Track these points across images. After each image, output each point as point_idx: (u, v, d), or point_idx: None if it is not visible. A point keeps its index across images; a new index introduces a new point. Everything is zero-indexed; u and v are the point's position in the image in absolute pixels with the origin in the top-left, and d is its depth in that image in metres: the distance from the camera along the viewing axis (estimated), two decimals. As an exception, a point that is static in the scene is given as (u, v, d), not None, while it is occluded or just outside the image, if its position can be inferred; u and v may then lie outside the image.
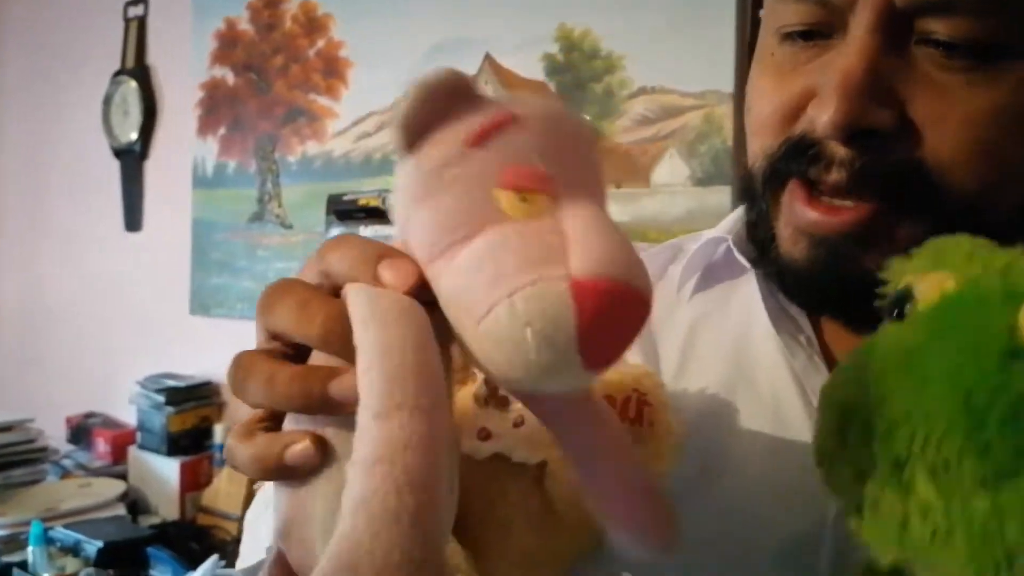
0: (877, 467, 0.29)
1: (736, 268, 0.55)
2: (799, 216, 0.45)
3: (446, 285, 0.28)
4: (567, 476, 0.39)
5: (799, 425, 0.49)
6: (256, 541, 0.49)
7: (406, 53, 1.83)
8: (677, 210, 1.50)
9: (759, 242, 0.50)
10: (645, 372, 0.44)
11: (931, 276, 0.31)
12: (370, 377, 0.26)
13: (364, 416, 0.26)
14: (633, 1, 1.54)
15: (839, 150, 0.43)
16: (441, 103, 0.29)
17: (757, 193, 0.49)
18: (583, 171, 0.30)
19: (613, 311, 0.26)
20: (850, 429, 0.31)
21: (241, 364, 0.31)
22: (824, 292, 0.47)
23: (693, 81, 1.48)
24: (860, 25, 0.42)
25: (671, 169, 1.51)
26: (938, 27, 0.41)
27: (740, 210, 0.56)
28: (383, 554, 0.24)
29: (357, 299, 0.28)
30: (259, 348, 0.32)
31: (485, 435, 0.39)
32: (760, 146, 0.48)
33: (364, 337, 0.27)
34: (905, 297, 0.32)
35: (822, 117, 0.42)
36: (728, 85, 1.45)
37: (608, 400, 0.42)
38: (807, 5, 0.44)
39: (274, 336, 0.31)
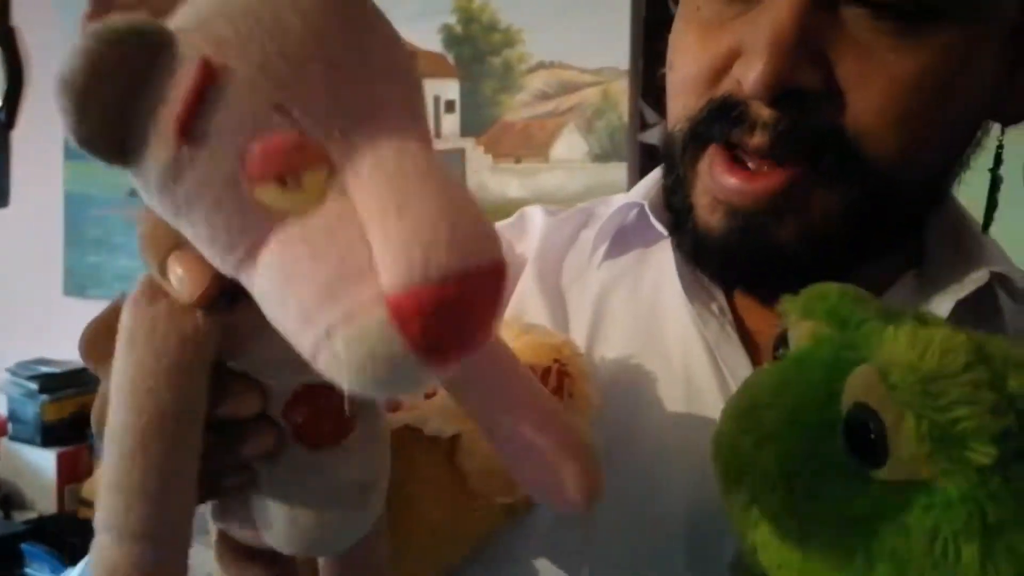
0: (738, 506, 0.33)
1: (650, 234, 0.54)
2: (718, 183, 0.44)
3: (258, 301, 0.23)
4: (481, 449, 0.38)
5: (710, 393, 0.49)
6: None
7: (297, 20, 1.76)
8: (576, 185, 1.50)
9: (676, 211, 0.49)
10: (564, 341, 0.44)
11: (802, 324, 0.34)
12: (104, 467, 0.24)
13: (96, 521, 0.24)
14: (531, -26, 1.52)
15: (763, 111, 0.42)
16: (114, 86, 0.21)
17: (676, 157, 0.47)
18: (350, 76, 0.21)
19: (452, 318, 0.20)
20: (730, 469, 0.35)
21: (97, 339, 0.28)
22: (738, 265, 0.46)
23: (590, 57, 1.48)
24: None
25: (569, 145, 1.51)
26: None
27: (655, 174, 0.55)
28: None
29: (122, 323, 0.24)
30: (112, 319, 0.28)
31: (395, 406, 0.37)
32: (682, 107, 0.46)
33: (112, 402, 0.23)
34: (784, 340, 0.36)
35: (749, 75, 0.41)
36: (624, 62, 1.45)
37: (529, 369, 0.41)
38: None
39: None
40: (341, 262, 0.20)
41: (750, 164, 0.43)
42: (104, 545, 0.23)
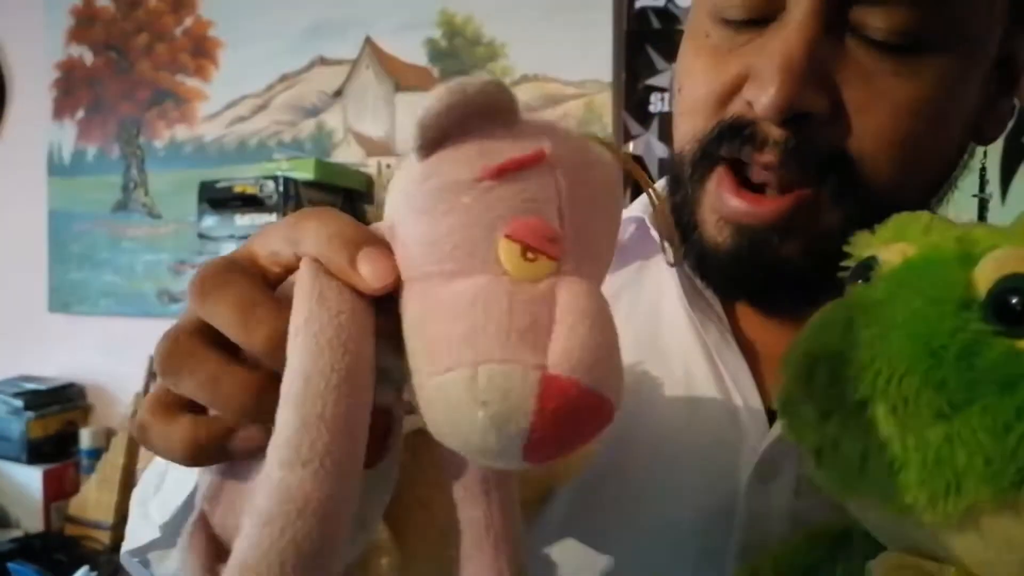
0: (841, 408, 0.31)
1: (650, 246, 0.56)
2: (725, 204, 0.46)
3: (415, 312, 0.26)
4: None
5: (711, 400, 0.50)
6: (146, 521, 0.47)
7: (281, 33, 1.77)
8: (561, 197, 1.51)
9: (682, 226, 0.50)
10: None
11: (894, 246, 0.34)
12: (285, 414, 0.24)
13: (270, 456, 0.24)
14: (514, -12, 1.54)
15: (774, 131, 0.43)
16: (472, 117, 0.26)
17: (684, 177, 0.49)
18: (597, 236, 0.27)
19: (573, 415, 0.24)
20: (816, 374, 0.32)
21: (177, 350, 0.27)
22: (742, 279, 0.48)
23: (574, 70, 1.50)
24: (800, 8, 0.43)
25: (554, 156, 1.52)
26: (871, 18, 0.42)
27: (656, 188, 0.57)
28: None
29: (302, 294, 0.26)
30: (194, 328, 0.28)
31: (409, 408, 0.38)
32: (691, 128, 0.48)
33: (292, 350, 0.25)
34: (870, 265, 0.35)
35: (761, 97, 0.42)
36: (607, 75, 1.47)
37: None
38: None
39: (207, 328, 0.28)
40: (528, 323, 0.24)
41: (758, 179, 0.45)
42: (279, 477, 0.24)
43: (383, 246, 0.27)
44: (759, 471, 0.47)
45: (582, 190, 0.26)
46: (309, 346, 0.25)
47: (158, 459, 0.49)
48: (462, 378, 0.24)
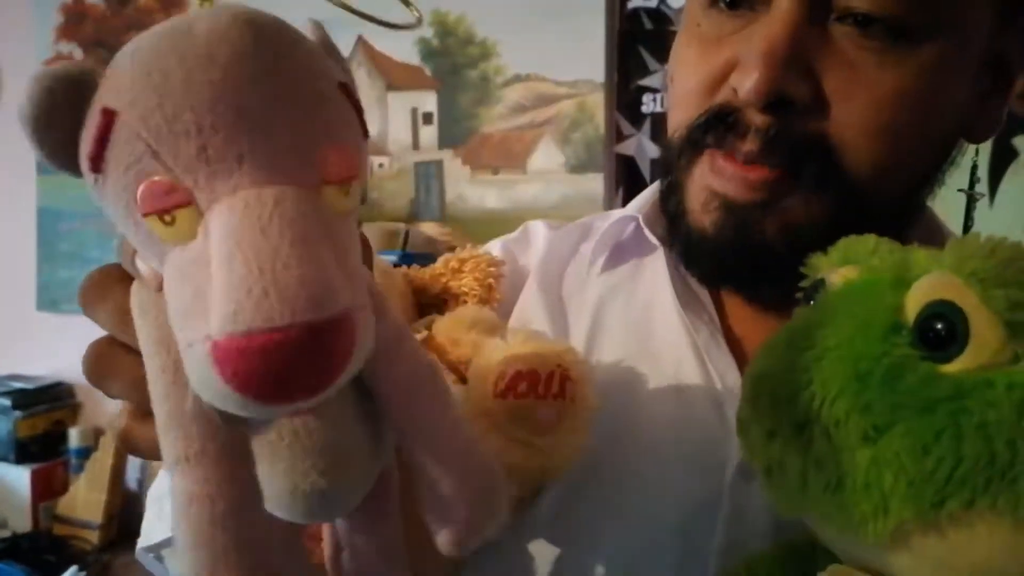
0: (783, 429, 0.32)
1: (645, 246, 0.56)
2: (716, 169, 0.46)
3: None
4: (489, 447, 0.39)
5: (700, 397, 0.50)
6: (161, 519, 0.48)
7: (273, 33, 1.76)
8: (553, 196, 1.52)
9: (670, 213, 0.51)
10: (567, 348, 0.45)
11: (840, 269, 0.35)
12: (157, 428, 0.26)
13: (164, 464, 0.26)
14: (506, -12, 1.54)
15: (756, 118, 0.44)
16: (58, 122, 0.24)
17: (672, 163, 0.50)
18: (223, 129, 0.23)
19: (259, 366, 0.22)
20: (760, 395, 0.33)
21: (98, 355, 0.29)
22: (728, 263, 0.48)
23: (566, 70, 1.50)
24: None
25: (546, 156, 1.53)
26: (857, 3, 0.42)
27: (650, 191, 0.58)
28: None
29: (132, 300, 0.27)
30: (111, 337, 0.29)
31: None
32: (682, 116, 0.49)
33: (142, 346, 0.26)
34: (817, 287, 0.36)
35: (745, 83, 0.43)
36: (599, 75, 1.48)
37: (531, 375, 0.42)
38: None
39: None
40: (193, 297, 0.23)
41: (739, 165, 0.46)
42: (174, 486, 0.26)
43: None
44: (742, 469, 0.47)
45: (171, 103, 0.23)
46: (145, 355, 0.26)
47: None
48: (177, 375, 0.24)
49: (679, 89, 0.49)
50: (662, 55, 1.39)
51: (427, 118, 1.63)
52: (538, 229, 0.62)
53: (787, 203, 0.45)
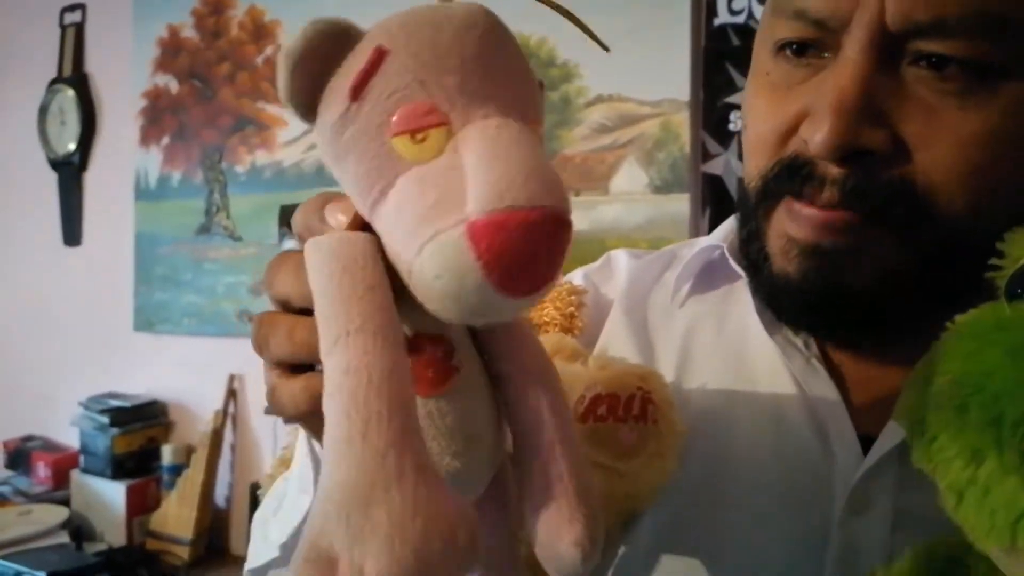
0: (998, 450, 0.28)
1: (731, 275, 0.55)
2: (791, 225, 0.45)
3: (381, 232, 0.29)
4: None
5: (800, 427, 0.48)
6: (266, 542, 0.49)
7: (358, 61, 1.80)
8: (636, 218, 1.49)
9: (752, 260, 0.50)
10: (649, 371, 0.44)
11: None
12: (318, 320, 0.28)
13: (321, 356, 0.28)
14: (589, 9, 1.53)
15: (831, 170, 0.43)
16: (316, 63, 0.28)
17: (750, 211, 0.49)
18: (477, 75, 0.28)
19: (515, 241, 0.25)
20: (970, 408, 0.29)
21: (263, 321, 0.33)
22: (816, 310, 0.46)
23: (650, 89, 1.48)
24: (853, 46, 0.42)
25: (629, 177, 1.50)
26: (932, 47, 0.41)
27: (733, 219, 0.57)
28: (343, 477, 0.25)
29: (307, 248, 0.29)
30: (270, 311, 0.34)
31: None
32: (755, 165, 0.48)
33: (311, 282, 0.28)
34: (1019, 278, 0.32)
35: (815, 137, 0.42)
36: (684, 93, 1.45)
37: (612, 397, 0.42)
38: (802, 23, 0.44)
39: (283, 305, 0.33)
40: (441, 196, 0.26)
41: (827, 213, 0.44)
42: (329, 358, 0.27)
43: (339, 197, 0.31)
44: (852, 502, 0.45)
45: (434, 50, 0.27)
46: (315, 264, 0.29)
47: (277, 484, 0.52)
48: (416, 270, 0.27)
49: (752, 137, 0.48)
50: (750, 72, 1.36)
51: (508, 140, 1.63)
52: (620, 258, 0.62)
53: (875, 247, 0.44)
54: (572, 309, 0.53)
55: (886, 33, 0.41)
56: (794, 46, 0.45)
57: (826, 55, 0.44)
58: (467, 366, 0.32)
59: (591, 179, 1.54)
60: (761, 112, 0.47)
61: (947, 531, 0.44)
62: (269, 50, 1.96)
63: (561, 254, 0.27)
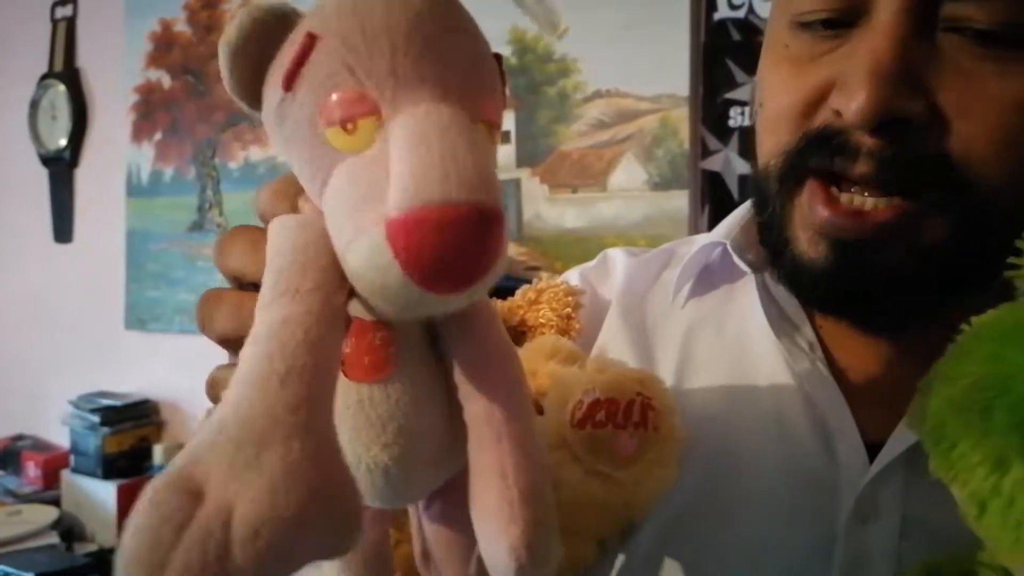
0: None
1: (734, 273, 0.53)
2: (819, 218, 0.43)
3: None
4: (568, 483, 0.40)
5: (804, 432, 0.47)
6: None
7: (352, 56, 1.78)
8: (634, 215, 1.48)
9: (771, 244, 0.47)
10: (649, 375, 0.43)
11: None
12: (263, 281, 0.27)
13: (256, 309, 0.27)
14: (586, 4, 1.52)
15: (866, 140, 0.41)
16: (255, 51, 0.28)
17: (770, 195, 0.46)
18: (410, 56, 0.26)
19: (431, 240, 0.24)
20: (995, 412, 0.28)
21: (209, 297, 0.32)
22: (841, 294, 0.44)
23: (648, 84, 1.47)
24: (887, 10, 0.40)
25: (628, 173, 1.49)
26: (969, 12, 0.39)
27: (737, 214, 0.55)
28: (247, 413, 0.24)
29: (271, 226, 0.29)
30: (217, 288, 0.33)
31: None
32: (775, 143, 0.45)
33: (270, 248, 0.28)
34: None
35: (851, 105, 0.40)
36: (683, 89, 1.43)
37: (611, 402, 0.41)
38: None
39: (233, 279, 0.32)
40: (368, 190, 0.25)
41: (854, 198, 0.42)
42: (259, 318, 0.27)
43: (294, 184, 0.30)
44: (859, 511, 0.44)
45: (363, 33, 0.26)
46: (273, 235, 0.28)
47: None
48: (347, 263, 0.26)
49: (770, 114, 0.46)
50: (751, 67, 1.34)
51: (504, 137, 1.61)
52: (617, 257, 0.60)
53: (911, 232, 0.42)
54: (569, 310, 0.52)
55: None
56: (822, 20, 0.42)
57: (854, 24, 0.42)
58: (410, 357, 0.30)
59: (589, 176, 1.53)
60: (782, 86, 0.45)
61: (959, 540, 0.43)
62: (263, 45, 1.94)
63: (493, 248, 0.25)
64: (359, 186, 0.26)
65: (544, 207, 1.58)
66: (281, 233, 0.28)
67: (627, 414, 0.41)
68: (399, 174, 0.25)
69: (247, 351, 0.26)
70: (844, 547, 0.44)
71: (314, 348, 0.26)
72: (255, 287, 0.29)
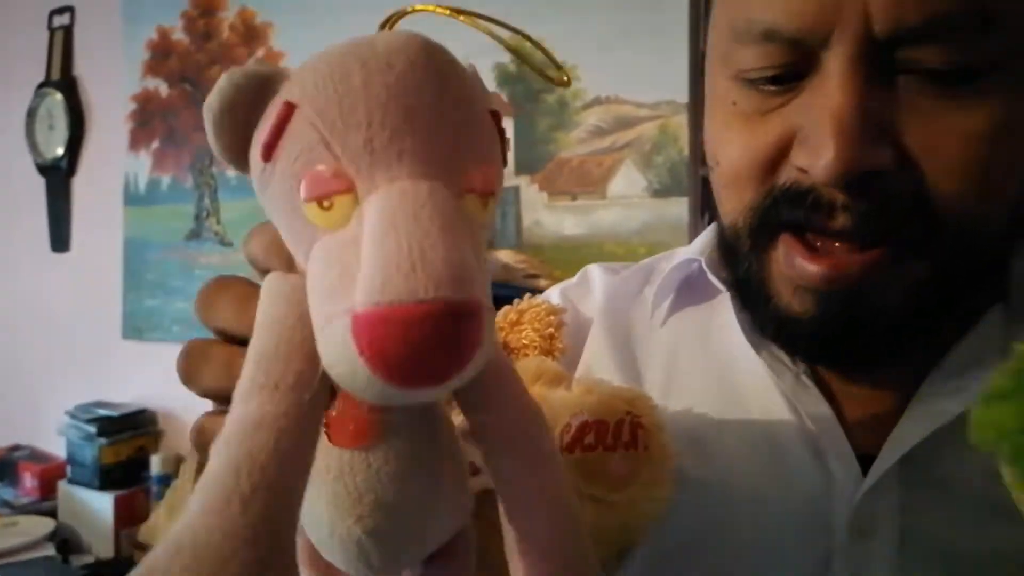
0: None
1: (711, 289, 0.53)
2: (801, 272, 0.42)
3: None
4: None
5: (795, 446, 0.47)
6: None
7: (350, 63, 1.78)
8: (634, 222, 1.47)
9: (751, 302, 0.47)
10: (638, 394, 0.42)
11: None
12: (246, 359, 0.26)
13: (234, 397, 0.25)
14: (585, 10, 1.51)
15: (839, 196, 0.40)
16: (239, 116, 0.26)
17: (742, 252, 0.45)
18: (388, 128, 0.25)
19: (396, 339, 0.23)
20: None
21: (194, 350, 0.31)
22: (832, 344, 0.44)
23: (648, 91, 1.46)
24: (839, 60, 0.39)
25: (627, 180, 1.48)
26: (923, 55, 0.38)
27: (712, 230, 0.54)
28: (204, 539, 0.23)
29: (264, 284, 0.28)
30: (203, 340, 0.31)
31: (473, 469, 0.36)
32: (739, 201, 0.44)
33: (256, 319, 0.27)
34: None
35: (818, 163, 0.39)
36: (683, 95, 1.43)
37: (600, 424, 0.40)
38: (773, 46, 0.40)
39: (218, 333, 0.31)
40: (340, 274, 0.24)
41: (832, 246, 0.41)
42: (238, 411, 0.25)
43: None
44: (855, 525, 0.43)
45: (341, 102, 0.25)
46: (263, 303, 0.27)
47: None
48: (319, 349, 0.25)
49: (728, 172, 0.44)
50: (750, 73, 1.34)
51: (503, 144, 1.61)
52: (597, 274, 0.60)
53: (896, 273, 0.41)
54: (551, 330, 0.50)
55: (874, 42, 0.38)
56: (768, 77, 0.41)
57: (802, 77, 0.41)
58: (400, 425, 0.29)
59: (588, 183, 1.52)
60: (737, 143, 0.43)
61: (959, 551, 0.42)
62: (260, 52, 1.93)
63: (468, 343, 0.24)
64: (333, 269, 0.25)
65: (543, 214, 1.57)
66: (273, 301, 0.27)
67: (617, 435, 0.40)
68: (368, 264, 0.23)
69: (219, 449, 0.25)
70: (843, 563, 0.43)
71: (285, 462, 0.24)
72: (244, 342, 0.28)
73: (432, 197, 0.24)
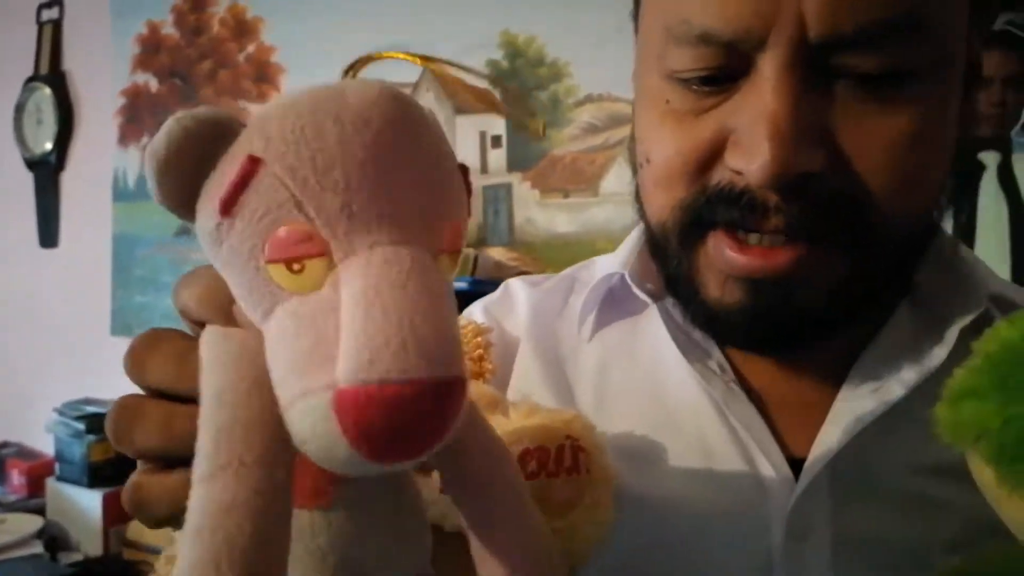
0: None
1: (637, 302, 0.53)
2: (731, 263, 0.43)
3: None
4: None
5: (728, 455, 0.47)
6: None
7: (342, 58, 1.76)
8: (626, 219, 1.46)
9: (681, 296, 0.48)
10: (574, 416, 0.42)
11: None
12: (201, 433, 0.24)
13: (194, 477, 0.24)
14: (578, 7, 1.51)
15: (772, 197, 0.41)
16: (186, 164, 0.24)
17: (671, 249, 0.46)
18: (365, 189, 0.23)
19: (383, 419, 0.22)
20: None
21: (126, 407, 0.29)
22: (761, 331, 0.45)
23: (640, 88, 1.46)
24: (774, 64, 0.39)
25: (620, 178, 1.48)
26: (856, 60, 0.39)
27: (632, 240, 0.55)
28: None
29: (204, 341, 0.26)
30: (136, 396, 0.29)
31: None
32: (669, 198, 0.45)
33: (203, 384, 0.25)
34: None
35: (752, 166, 0.40)
36: (676, 93, 1.42)
37: (541, 451, 0.39)
38: (708, 49, 0.41)
39: (151, 391, 0.29)
40: (315, 343, 0.23)
41: (763, 239, 0.42)
42: (202, 491, 0.24)
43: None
44: (791, 529, 0.44)
45: (312, 158, 0.23)
46: (213, 368, 0.25)
47: None
48: (288, 420, 0.24)
49: (659, 170, 0.45)
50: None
51: (496, 141, 1.60)
52: (519, 288, 0.59)
53: (823, 267, 0.42)
54: (480, 351, 0.48)
55: (808, 47, 0.39)
56: (700, 78, 0.42)
57: (735, 79, 0.41)
58: (364, 484, 0.28)
59: (581, 180, 1.52)
60: (669, 141, 0.44)
61: (891, 552, 0.43)
62: (251, 47, 1.92)
63: (451, 416, 0.24)
64: (305, 336, 0.23)
65: (535, 212, 1.56)
66: (221, 364, 0.25)
67: (559, 461, 0.39)
68: (353, 338, 0.22)
69: (191, 538, 0.23)
70: (782, 567, 0.44)
71: (264, 544, 0.23)
72: (180, 398, 0.27)
73: (415, 265, 0.23)
